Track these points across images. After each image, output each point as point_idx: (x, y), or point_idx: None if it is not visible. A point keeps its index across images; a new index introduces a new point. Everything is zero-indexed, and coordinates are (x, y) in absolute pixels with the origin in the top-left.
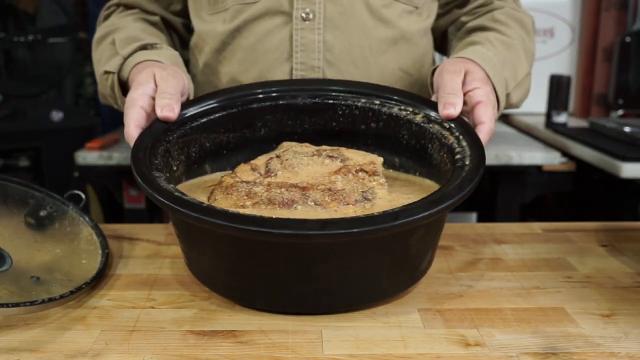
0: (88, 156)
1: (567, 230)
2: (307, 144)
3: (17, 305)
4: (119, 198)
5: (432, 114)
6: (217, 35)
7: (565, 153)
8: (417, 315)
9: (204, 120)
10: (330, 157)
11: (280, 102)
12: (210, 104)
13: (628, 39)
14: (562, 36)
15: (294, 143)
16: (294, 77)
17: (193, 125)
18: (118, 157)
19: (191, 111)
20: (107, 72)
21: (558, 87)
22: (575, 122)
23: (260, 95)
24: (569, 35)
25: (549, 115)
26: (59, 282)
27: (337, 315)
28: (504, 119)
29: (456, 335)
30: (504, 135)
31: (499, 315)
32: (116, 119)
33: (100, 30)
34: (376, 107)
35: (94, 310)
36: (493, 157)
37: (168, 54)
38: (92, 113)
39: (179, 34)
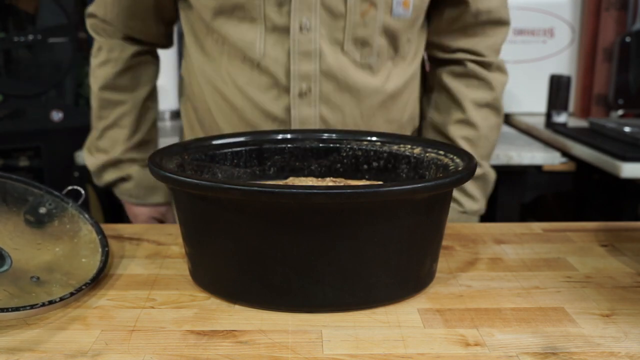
0: None
1: (567, 230)
2: (311, 178)
3: (17, 309)
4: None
5: (429, 148)
6: (219, 92)
7: (565, 153)
8: (417, 315)
9: (218, 152)
10: (333, 182)
11: (289, 145)
12: (227, 140)
13: (628, 39)
14: (562, 36)
15: (300, 178)
16: None
17: (208, 153)
18: None
19: (209, 142)
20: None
21: (558, 87)
22: (575, 122)
23: (272, 138)
24: (569, 35)
25: (549, 115)
26: (59, 282)
27: (337, 315)
28: (505, 119)
29: (456, 335)
30: (504, 135)
31: (499, 315)
32: None
33: (94, 81)
34: (377, 147)
35: (94, 310)
36: (493, 157)
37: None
38: None
39: (155, 56)
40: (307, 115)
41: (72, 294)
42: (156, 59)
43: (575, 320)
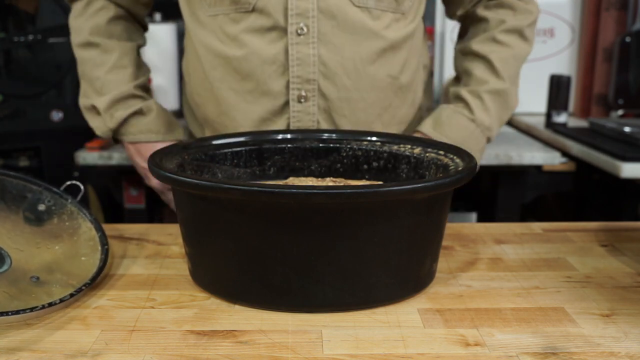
0: (88, 156)
1: (567, 230)
2: (311, 178)
3: (17, 312)
4: (119, 198)
5: (429, 148)
6: (214, 50)
7: (565, 153)
8: (417, 315)
9: (218, 152)
10: (333, 182)
11: (289, 145)
12: (227, 140)
13: (628, 39)
14: (562, 36)
15: (300, 178)
16: (290, 90)
17: (208, 153)
18: (118, 157)
19: (209, 142)
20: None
21: (558, 87)
22: (575, 122)
23: (272, 138)
24: (569, 35)
25: (549, 115)
26: (59, 282)
27: (337, 315)
28: None
29: (456, 335)
30: (504, 135)
31: (499, 315)
32: None
33: (80, 33)
34: (377, 147)
35: (94, 310)
36: (493, 157)
37: (159, 125)
38: None
39: (141, 24)
40: (305, 54)
41: (72, 295)
42: (143, 27)
43: (575, 320)
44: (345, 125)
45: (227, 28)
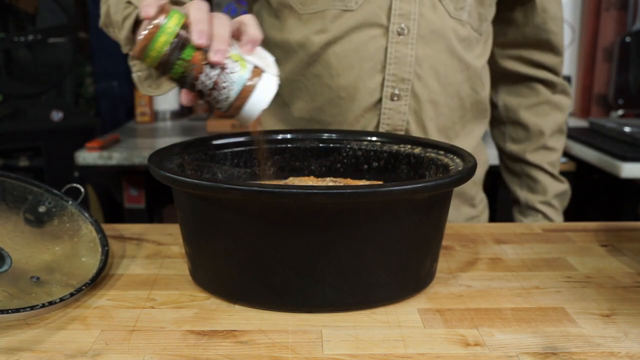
0: (88, 156)
1: (567, 230)
2: (311, 178)
3: (17, 311)
4: (119, 198)
5: (429, 148)
6: (312, 45)
7: (565, 153)
8: (417, 315)
9: (219, 152)
10: (333, 182)
11: (289, 145)
12: (227, 140)
13: (628, 39)
14: None
15: (300, 178)
16: (384, 87)
17: (208, 153)
18: (118, 157)
19: (209, 142)
20: (129, 3)
21: None
22: (575, 122)
23: (272, 138)
24: (569, 35)
25: None
26: (59, 282)
27: (337, 315)
28: None
29: (456, 335)
30: None
31: (499, 315)
32: (116, 119)
33: None
34: (377, 147)
35: (94, 310)
36: (493, 157)
37: None
38: (92, 113)
39: None
40: (403, 54)
41: (72, 294)
42: None
43: (575, 320)
44: (432, 127)
45: (327, 24)
